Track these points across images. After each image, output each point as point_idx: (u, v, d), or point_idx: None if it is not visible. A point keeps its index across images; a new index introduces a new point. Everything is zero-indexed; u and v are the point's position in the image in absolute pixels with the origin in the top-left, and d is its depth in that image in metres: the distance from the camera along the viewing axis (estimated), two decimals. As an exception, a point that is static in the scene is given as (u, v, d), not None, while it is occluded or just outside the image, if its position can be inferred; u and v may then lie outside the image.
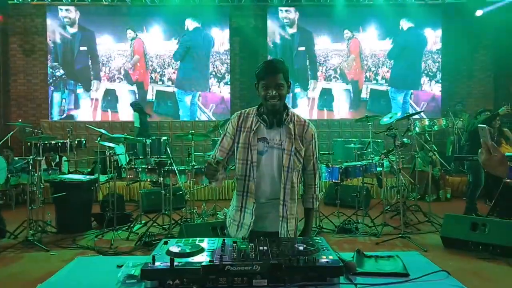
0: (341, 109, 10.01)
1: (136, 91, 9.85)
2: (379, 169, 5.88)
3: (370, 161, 5.75)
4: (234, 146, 2.10)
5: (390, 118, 6.13)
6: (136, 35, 9.81)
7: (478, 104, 9.76)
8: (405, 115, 6.34)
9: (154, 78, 9.88)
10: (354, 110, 9.94)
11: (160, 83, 9.90)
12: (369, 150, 6.01)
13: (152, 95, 9.89)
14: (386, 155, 5.60)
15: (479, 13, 9.43)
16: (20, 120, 8.29)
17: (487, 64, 10.14)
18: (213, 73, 9.92)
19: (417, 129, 6.90)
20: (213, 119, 9.73)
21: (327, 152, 6.49)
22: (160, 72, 9.89)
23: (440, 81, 10.04)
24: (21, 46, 9.66)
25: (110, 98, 9.78)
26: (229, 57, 9.89)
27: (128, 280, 1.58)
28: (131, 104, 8.72)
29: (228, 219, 2.21)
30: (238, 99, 9.84)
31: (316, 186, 2.20)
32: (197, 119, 9.85)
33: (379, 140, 6.97)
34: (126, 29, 9.76)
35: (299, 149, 2.06)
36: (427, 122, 7.22)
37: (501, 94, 9.97)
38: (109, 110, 9.76)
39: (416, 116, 7.28)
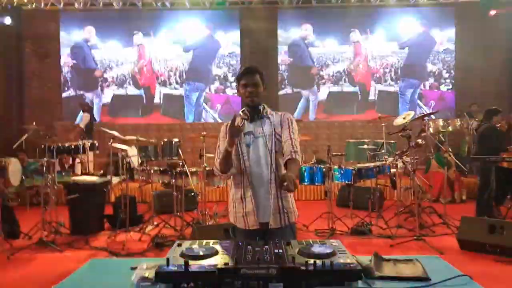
0: (349, 112, 9.93)
1: (144, 95, 9.92)
2: (392, 170, 5.80)
3: (384, 162, 5.67)
4: None
5: (404, 118, 6.04)
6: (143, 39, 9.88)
7: (493, 104, 9.56)
8: (419, 115, 6.23)
9: (161, 82, 9.93)
10: (362, 113, 9.87)
11: (168, 86, 9.94)
12: (383, 151, 5.93)
13: (160, 98, 9.95)
14: (400, 156, 5.52)
15: (492, 12, 9.28)
16: (34, 123, 8.39)
17: (501, 64, 9.95)
18: (219, 74, 9.94)
19: (431, 129, 6.78)
20: (219, 120, 9.76)
21: (339, 153, 6.42)
22: (167, 75, 9.93)
23: (449, 80, 9.92)
24: (34, 51, 9.79)
25: (118, 104, 9.86)
26: (238, 60, 9.89)
27: (142, 282, 1.56)
28: (81, 104, 8.69)
29: (232, 214, 2.39)
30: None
31: (294, 145, 2.27)
32: (203, 120, 9.88)
33: (392, 141, 6.88)
34: (133, 34, 9.83)
35: (278, 132, 2.33)
36: (441, 123, 7.10)
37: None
38: (117, 115, 9.86)
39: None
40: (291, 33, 9.92)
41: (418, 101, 9.93)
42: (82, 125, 8.35)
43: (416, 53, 9.91)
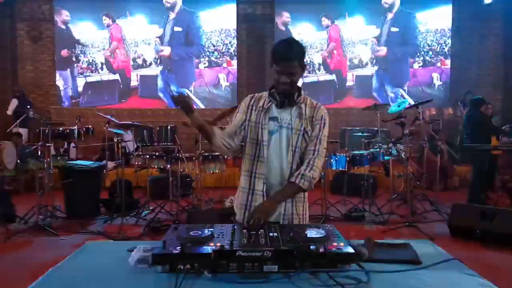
0: (325, 101, 9.95)
1: (120, 80, 9.79)
2: (386, 157, 5.85)
3: (378, 149, 5.72)
4: (245, 124, 2.04)
5: (399, 106, 6.08)
6: (114, 20, 9.67)
7: (488, 93, 9.64)
8: (414, 104, 6.26)
9: (137, 64, 9.81)
10: (340, 100, 9.91)
11: (145, 68, 9.84)
12: (377, 138, 5.98)
13: (137, 80, 9.85)
14: (394, 144, 5.56)
15: (488, 0, 9.27)
16: (28, 107, 8.34)
17: (497, 53, 9.98)
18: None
19: (425, 118, 6.83)
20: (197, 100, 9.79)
21: (334, 141, 6.46)
22: (143, 57, 9.80)
23: (419, 58, 10.06)
24: (28, 33, 9.65)
25: (91, 92, 9.75)
26: (229, 42, 9.83)
27: (139, 264, 1.59)
28: (14, 90, 8.52)
29: (236, 204, 2.13)
30: (245, 87, 9.79)
31: (311, 166, 1.98)
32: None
33: (386, 129, 6.92)
34: (103, 15, 9.63)
35: (308, 129, 1.99)
36: (435, 112, 7.16)
37: (510, 83, 9.83)
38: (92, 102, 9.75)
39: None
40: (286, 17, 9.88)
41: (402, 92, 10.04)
42: (9, 112, 8.13)
43: (396, 36, 9.97)
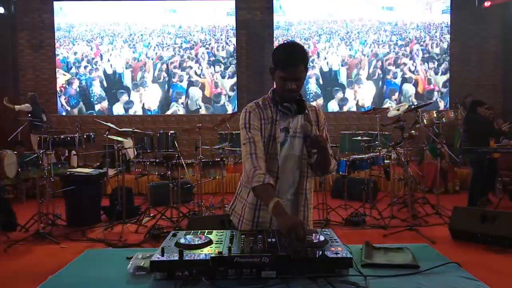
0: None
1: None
2: (386, 161, 5.85)
3: (378, 153, 5.72)
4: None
5: (398, 110, 6.08)
6: None
7: (488, 96, 9.65)
8: (414, 107, 6.28)
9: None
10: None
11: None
12: (377, 142, 5.98)
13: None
14: (394, 147, 5.57)
15: (487, 4, 9.29)
16: (29, 115, 8.37)
17: (497, 56, 10.00)
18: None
19: (425, 121, 6.83)
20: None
21: (334, 145, 6.47)
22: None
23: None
24: (29, 42, 9.71)
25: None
26: (234, 49, 9.86)
27: (138, 271, 1.60)
28: (33, 97, 8.57)
29: (237, 217, 2.00)
30: (245, 93, 9.82)
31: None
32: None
33: (387, 133, 6.92)
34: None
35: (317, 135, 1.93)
36: (435, 114, 7.15)
37: (510, 86, 9.84)
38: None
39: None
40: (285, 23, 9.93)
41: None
42: (16, 108, 8.31)
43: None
